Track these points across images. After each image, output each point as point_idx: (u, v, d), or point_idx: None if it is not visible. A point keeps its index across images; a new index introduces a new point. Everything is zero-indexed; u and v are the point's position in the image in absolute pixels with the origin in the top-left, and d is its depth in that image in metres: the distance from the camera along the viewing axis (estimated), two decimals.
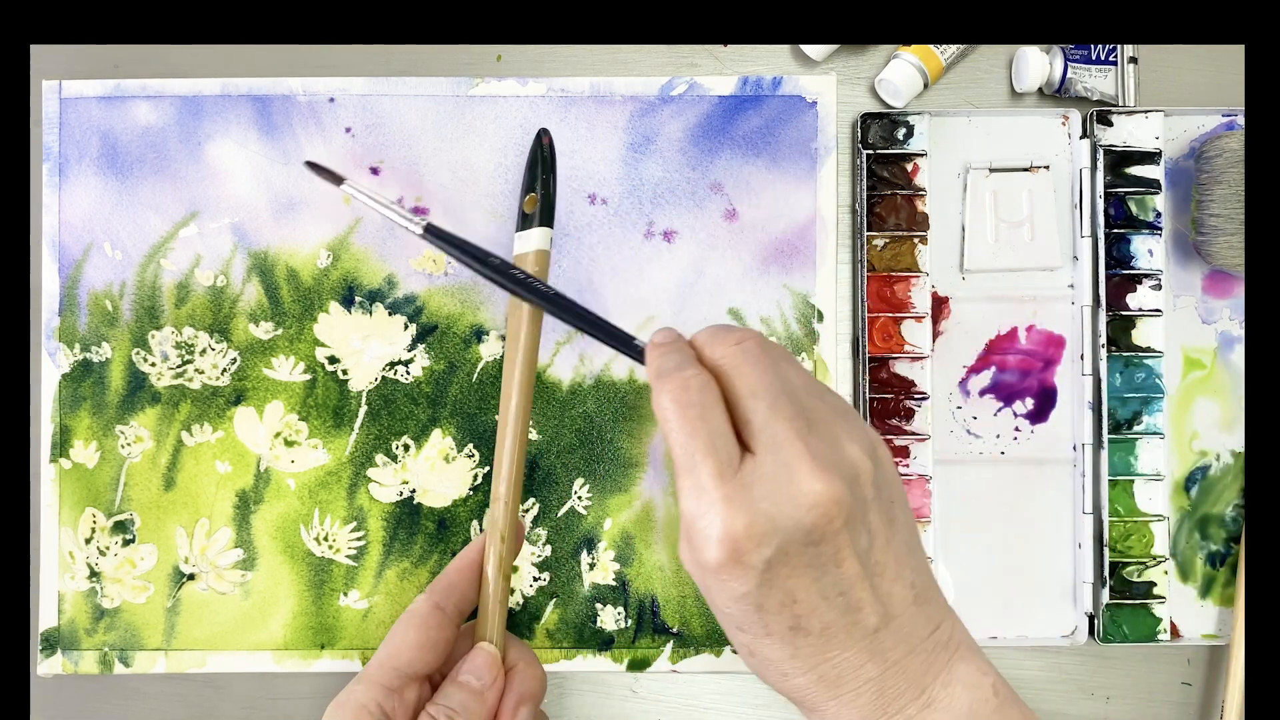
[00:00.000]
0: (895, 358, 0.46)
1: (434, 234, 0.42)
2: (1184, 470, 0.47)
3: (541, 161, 0.44)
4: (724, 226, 0.47)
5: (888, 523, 0.34)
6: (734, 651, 0.46)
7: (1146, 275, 0.46)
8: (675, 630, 0.46)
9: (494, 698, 0.40)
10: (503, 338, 0.46)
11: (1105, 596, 0.45)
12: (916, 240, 0.46)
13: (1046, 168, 0.47)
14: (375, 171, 0.47)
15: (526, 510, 0.46)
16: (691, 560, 0.34)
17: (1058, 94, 0.47)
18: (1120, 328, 0.46)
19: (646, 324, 0.46)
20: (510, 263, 0.42)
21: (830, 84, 0.47)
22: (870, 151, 0.46)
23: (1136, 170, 0.46)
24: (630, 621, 0.46)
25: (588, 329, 0.39)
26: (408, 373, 0.47)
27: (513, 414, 0.42)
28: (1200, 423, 0.47)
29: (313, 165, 0.45)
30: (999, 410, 0.47)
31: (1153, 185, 0.46)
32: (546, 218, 0.44)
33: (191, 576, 0.46)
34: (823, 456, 0.32)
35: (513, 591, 0.46)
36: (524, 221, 0.44)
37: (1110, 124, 0.46)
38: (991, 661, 0.35)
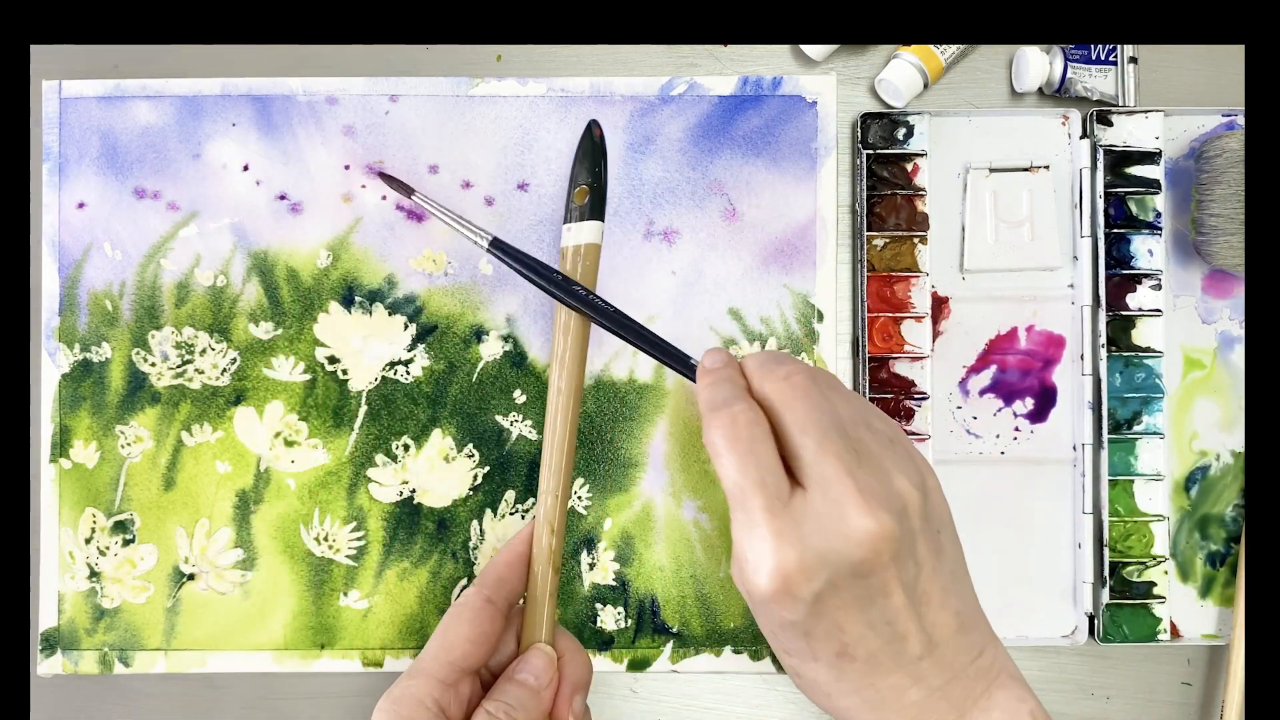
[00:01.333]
0: (895, 358, 0.46)
1: (499, 248, 0.43)
2: (1184, 470, 0.47)
3: (593, 152, 0.44)
4: (724, 226, 0.47)
5: (934, 552, 0.35)
6: (779, 670, 0.46)
7: (1146, 275, 0.46)
8: (675, 630, 0.46)
9: (550, 695, 0.40)
10: (504, 338, 0.46)
11: (1105, 596, 0.45)
12: (916, 240, 0.46)
13: (1046, 168, 0.47)
14: (375, 171, 0.47)
15: (527, 510, 0.46)
16: (741, 585, 0.35)
17: (1058, 94, 0.47)
18: (1120, 328, 0.46)
19: (647, 324, 0.46)
20: (572, 279, 0.42)
21: (830, 84, 0.47)
22: (870, 151, 0.46)
23: (1136, 170, 0.46)
24: (630, 621, 0.46)
25: (645, 346, 0.41)
26: (408, 373, 0.47)
27: (561, 405, 0.42)
28: (1200, 423, 0.47)
29: (384, 175, 0.45)
30: (999, 410, 0.47)
31: (1153, 185, 0.46)
32: (598, 210, 0.44)
33: (191, 576, 0.46)
34: (872, 492, 0.33)
35: None
36: (573, 214, 0.44)
37: (1110, 124, 0.46)
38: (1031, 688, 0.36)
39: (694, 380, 0.39)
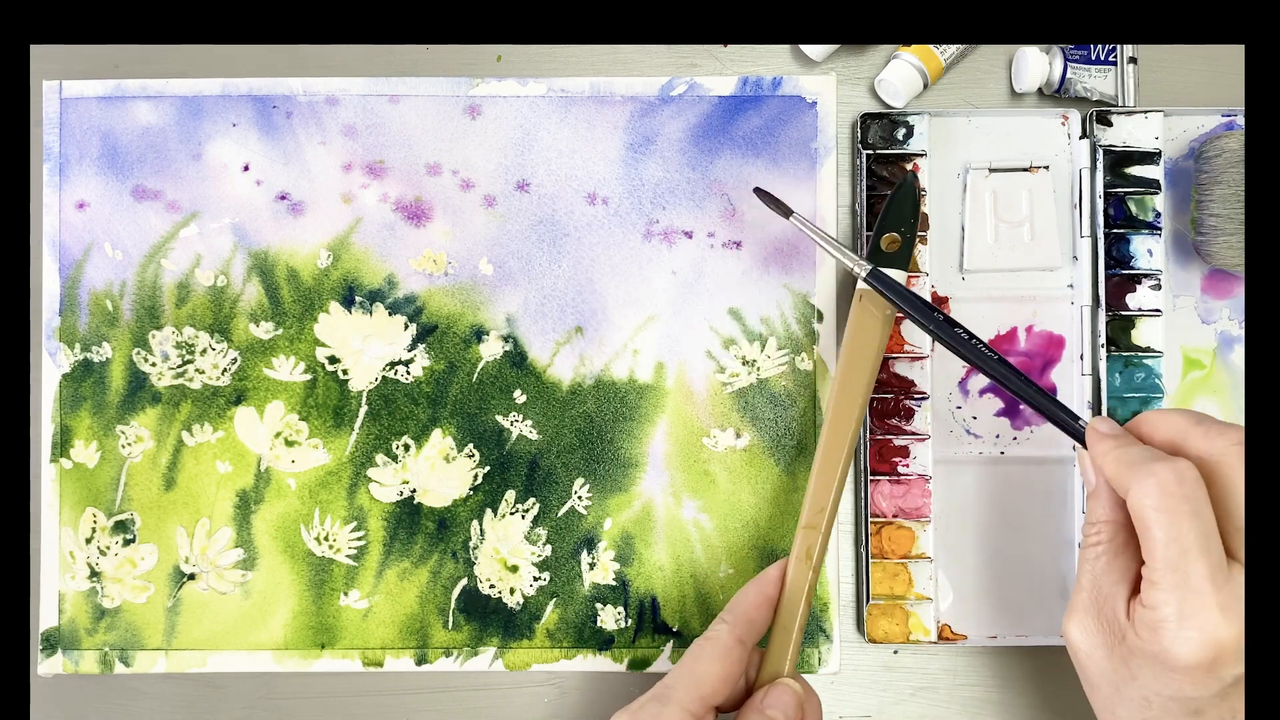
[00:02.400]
0: (895, 357, 0.46)
1: (877, 279, 0.41)
2: None
3: (911, 201, 0.43)
4: (724, 226, 0.47)
5: None
6: None
7: (1146, 275, 0.46)
8: (675, 630, 0.46)
9: None
10: (504, 338, 0.47)
11: None
12: (916, 240, 0.46)
13: (1046, 168, 0.47)
14: (375, 171, 0.47)
15: (526, 510, 0.46)
16: (1139, 645, 0.33)
17: (1057, 94, 0.47)
18: (1120, 328, 0.46)
19: (646, 324, 0.47)
20: (955, 322, 0.40)
21: (830, 84, 0.47)
22: (870, 151, 0.46)
23: (1136, 170, 0.46)
24: (630, 621, 0.46)
25: (1031, 399, 0.39)
26: (408, 373, 0.47)
27: (841, 441, 0.41)
28: None
29: (761, 192, 0.44)
30: (999, 410, 0.47)
31: (1152, 185, 0.46)
32: (904, 261, 0.42)
33: (192, 576, 0.46)
34: None
35: (512, 592, 0.46)
36: (878, 257, 0.42)
37: (1110, 124, 0.46)
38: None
39: (1081, 442, 0.38)
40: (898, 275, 0.42)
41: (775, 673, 0.40)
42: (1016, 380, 0.39)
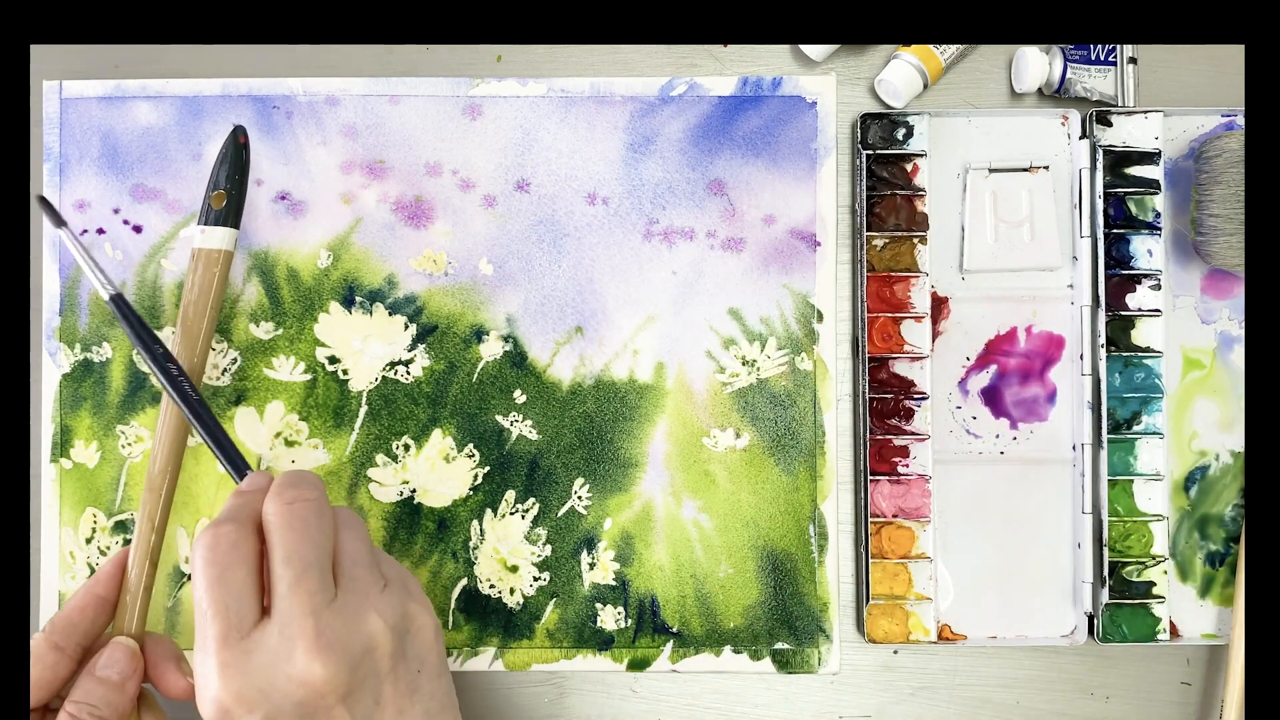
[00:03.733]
0: (895, 358, 0.46)
1: (117, 305, 0.43)
2: (1183, 470, 0.47)
3: (235, 159, 0.44)
4: (724, 226, 0.47)
5: (407, 692, 0.36)
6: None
7: (1146, 275, 0.46)
8: (675, 630, 0.46)
9: (134, 686, 0.40)
10: (504, 338, 0.47)
11: (1105, 596, 0.45)
12: (916, 240, 0.46)
13: (1046, 168, 0.47)
14: (375, 171, 0.47)
15: (526, 510, 0.46)
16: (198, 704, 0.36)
17: (1057, 94, 0.47)
18: (1120, 328, 0.46)
19: (646, 324, 0.47)
20: (170, 355, 0.42)
21: (830, 84, 0.47)
22: (870, 152, 0.46)
23: (1136, 170, 0.46)
24: (630, 621, 0.46)
25: (211, 444, 0.42)
26: (408, 373, 0.47)
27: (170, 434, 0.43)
28: (1200, 423, 0.47)
29: (43, 200, 0.44)
30: (999, 410, 0.47)
31: (1152, 185, 0.46)
32: (233, 218, 0.44)
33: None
34: (330, 635, 0.34)
35: (512, 592, 0.46)
36: (210, 217, 0.44)
37: (1110, 124, 0.46)
38: None
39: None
40: (225, 234, 0.44)
41: (118, 631, 0.42)
42: (208, 427, 0.42)
